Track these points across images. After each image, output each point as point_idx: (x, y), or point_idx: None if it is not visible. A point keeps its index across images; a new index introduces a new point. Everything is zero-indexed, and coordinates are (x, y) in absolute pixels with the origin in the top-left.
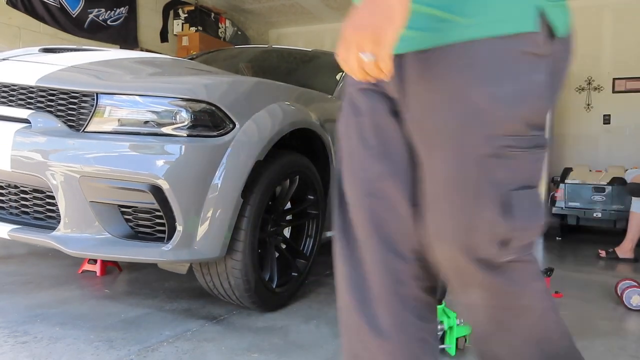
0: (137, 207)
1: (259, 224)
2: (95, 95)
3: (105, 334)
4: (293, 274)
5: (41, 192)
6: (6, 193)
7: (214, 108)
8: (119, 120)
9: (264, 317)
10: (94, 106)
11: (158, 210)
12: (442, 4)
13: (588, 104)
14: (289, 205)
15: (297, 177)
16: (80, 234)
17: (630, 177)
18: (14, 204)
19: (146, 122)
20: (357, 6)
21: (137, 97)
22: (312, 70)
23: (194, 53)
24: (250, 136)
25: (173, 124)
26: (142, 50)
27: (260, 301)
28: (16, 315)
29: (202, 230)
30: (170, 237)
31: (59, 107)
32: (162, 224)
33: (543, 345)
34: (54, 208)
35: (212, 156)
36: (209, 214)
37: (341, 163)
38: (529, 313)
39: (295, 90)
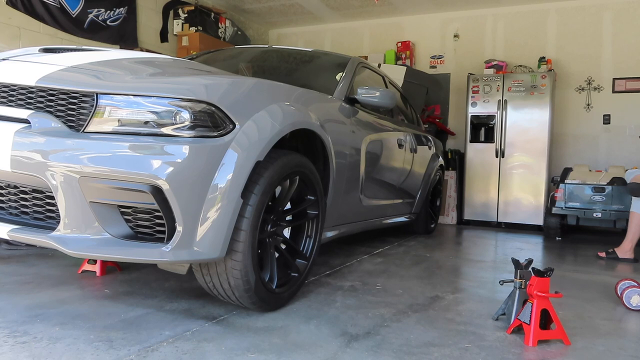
0: (136, 207)
1: (258, 225)
2: (95, 95)
3: (105, 334)
4: (293, 274)
5: (41, 192)
6: (6, 193)
7: (214, 108)
8: (118, 120)
9: (264, 317)
10: (94, 106)
11: (158, 211)
12: None
13: (588, 104)
14: (288, 205)
15: (297, 177)
16: (79, 234)
17: (630, 177)
18: (13, 204)
19: (146, 122)
20: None
21: (137, 98)
22: (312, 70)
23: (194, 53)
24: (250, 137)
25: (173, 124)
26: (142, 50)
27: (260, 301)
28: (16, 315)
29: (202, 230)
30: (170, 238)
31: (59, 108)
32: (162, 225)
33: None
34: (53, 208)
35: (212, 157)
36: (209, 215)
37: None
38: None
39: (295, 90)
